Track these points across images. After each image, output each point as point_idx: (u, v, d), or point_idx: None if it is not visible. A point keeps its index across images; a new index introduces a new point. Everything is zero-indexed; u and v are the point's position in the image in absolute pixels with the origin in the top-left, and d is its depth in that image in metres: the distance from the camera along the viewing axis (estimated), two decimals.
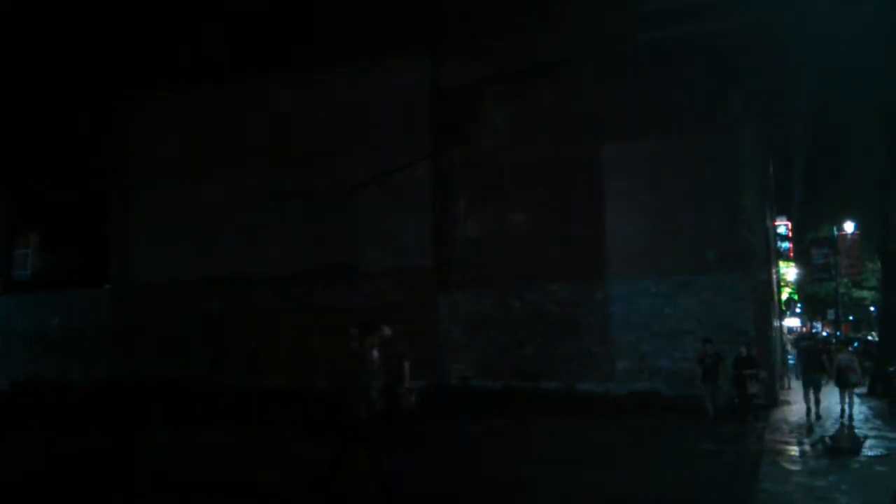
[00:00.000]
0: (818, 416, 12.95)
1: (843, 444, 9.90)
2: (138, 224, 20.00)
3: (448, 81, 17.12)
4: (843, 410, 13.06)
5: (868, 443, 10.45)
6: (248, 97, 18.85)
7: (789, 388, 19.02)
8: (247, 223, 18.29)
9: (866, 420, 13.12)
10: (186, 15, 18.15)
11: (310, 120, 18.01)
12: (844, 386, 13.12)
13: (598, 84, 15.69)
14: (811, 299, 42.15)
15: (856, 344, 26.12)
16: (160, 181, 19.67)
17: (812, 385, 13.19)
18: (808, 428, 12.12)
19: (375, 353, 7.01)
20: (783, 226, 30.70)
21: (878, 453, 9.75)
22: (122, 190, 20.51)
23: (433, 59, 17.21)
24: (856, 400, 13.65)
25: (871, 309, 37.88)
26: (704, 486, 7.81)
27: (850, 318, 42.70)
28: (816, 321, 50.21)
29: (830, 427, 12.06)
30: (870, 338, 31.91)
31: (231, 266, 18.24)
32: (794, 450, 10.07)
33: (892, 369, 15.27)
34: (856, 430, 11.50)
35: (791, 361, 24.26)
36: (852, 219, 28.17)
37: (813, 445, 10.42)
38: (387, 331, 10.69)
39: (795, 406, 15.06)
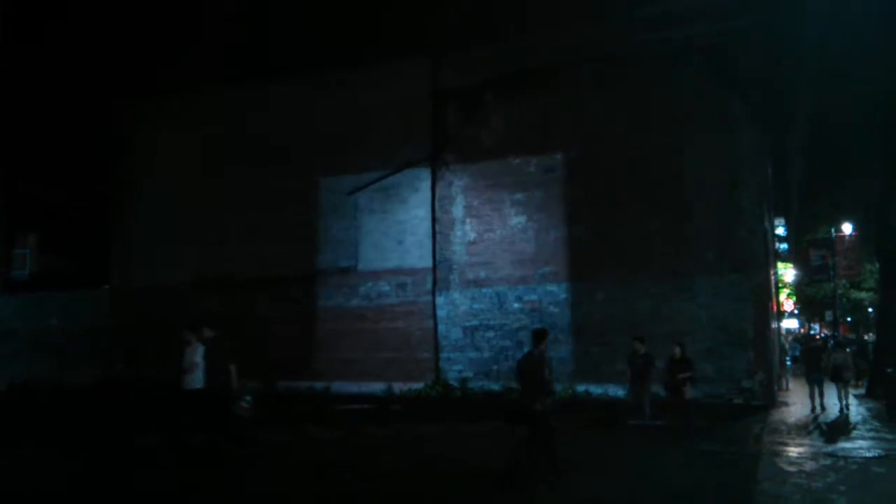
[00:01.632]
0: (822, 409, 14.37)
1: (839, 429, 11.99)
2: (138, 224, 19.96)
3: (448, 83, 17.13)
4: (840, 405, 14.20)
5: (866, 444, 10.59)
6: (248, 98, 18.84)
7: (787, 389, 19.06)
8: (247, 223, 18.27)
9: (864, 421, 13.17)
10: (187, 15, 18.17)
11: (310, 121, 18.03)
12: (839, 382, 14.30)
13: (596, 86, 15.73)
14: (809, 301, 42.12)
15: (852, 345, 26.09)
16: (160, 181, 19.66)
17: (815, 382, 14.57)
18: (813, 419, 13.49)
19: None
20: (781, 227, 30.66)
21: (876, 454, 9.77)
22: (121, 190, 20.49)
23: (433, 60, 17.23)
24: (853, 401, 14.82)
25: (870, 310, 37.88)
26: (704, 490, 7.82)
27: (849, 319, 42.67)
28: (815, 322, 50.24)
29: (830, 418, 13.57)
30: (866, 337, 31.93)
31: (230, 267, 18.21)
32: (792, 451, 10.09)
33: (890, 370, 15.25)
34: (851, 421, 13.21)
35: (789, 363, 24.30)
36: (850, 220, 28.11)
37: (812, 431, 12.02)
38: (208, 332, 10.08)
39: (794, 407, 15.15)
